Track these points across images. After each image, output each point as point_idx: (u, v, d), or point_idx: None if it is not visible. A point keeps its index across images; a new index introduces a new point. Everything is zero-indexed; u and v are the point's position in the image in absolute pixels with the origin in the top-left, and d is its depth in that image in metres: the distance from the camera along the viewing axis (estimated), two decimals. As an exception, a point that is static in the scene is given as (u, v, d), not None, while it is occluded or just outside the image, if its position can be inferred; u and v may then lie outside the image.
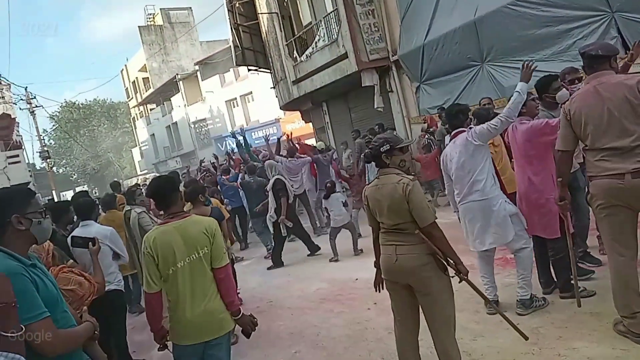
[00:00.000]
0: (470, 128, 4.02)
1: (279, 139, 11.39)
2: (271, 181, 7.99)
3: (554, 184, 3.69)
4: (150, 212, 6.14)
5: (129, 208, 6.09)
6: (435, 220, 2.84)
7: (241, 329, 2.98)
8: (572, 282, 3.80)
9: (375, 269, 3.27)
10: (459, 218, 4.29)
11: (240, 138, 11.61)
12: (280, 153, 10.63)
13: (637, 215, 3.15)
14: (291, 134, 11.59)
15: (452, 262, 2.86)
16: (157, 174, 27.85)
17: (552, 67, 8.11)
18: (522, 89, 3.88)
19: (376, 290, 3.27)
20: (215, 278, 2.85)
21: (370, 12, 11.97)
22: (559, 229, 3.91)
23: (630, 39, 7.22)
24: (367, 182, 9.81)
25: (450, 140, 4.21)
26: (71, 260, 3.91)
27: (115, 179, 14.86)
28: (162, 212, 2.99)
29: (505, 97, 8.68)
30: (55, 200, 26.84)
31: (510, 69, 9.01)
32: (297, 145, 11.05)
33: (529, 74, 3.97)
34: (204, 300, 2.81)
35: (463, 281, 2.89)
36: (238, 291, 6.83)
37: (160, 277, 2.82)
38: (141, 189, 6.16)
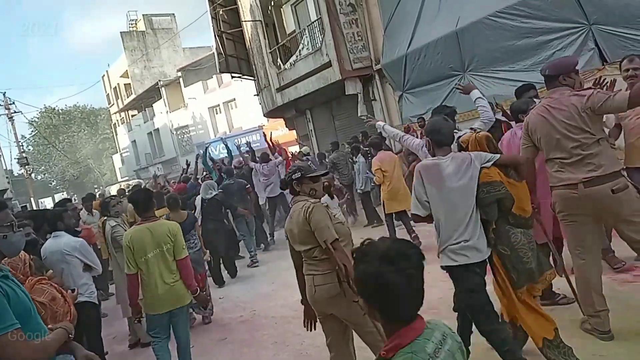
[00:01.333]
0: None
1: (252, 149, 11.34)
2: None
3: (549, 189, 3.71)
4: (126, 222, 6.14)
5: (104, 219, 5.99)
6: (337, 240, 2.79)
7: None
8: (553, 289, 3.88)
9: (303, 306, 3.22)
10: None
11: (226, 145, 11.47)
12: (255, 159, 10.65)
13: (597, 220, 3.30)
14: (271, 134, 11.47)
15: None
16: (141, 180, 27.53)
17: (532, 77, 8.26)
18: (478, 93, 4.05)
19: (308, 329, 3.23)
20: (178, 266, 3.93)
21: (354, 22, 12.09)
22: (544, 234, 3.94)
23: (607, 51, 7.42)
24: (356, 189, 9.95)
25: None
26: (50, 271, 3.85)
27: (90, 192, 14.59)
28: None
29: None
30: (34, 207, 26.35)
31: (491, 79, 9.17)
32: (272, 144, 10.93)
33: (470, 86, 4.22)
34: (169, 280, 3.89)
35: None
36: (221, 298, 6.82)
37: (136, 264, 3.87)
38: (116, 200, 6.06)
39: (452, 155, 3.02)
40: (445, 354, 1.34)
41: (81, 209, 9.45)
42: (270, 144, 10.84)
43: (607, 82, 4.25)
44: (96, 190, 47.17)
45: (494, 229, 2.94)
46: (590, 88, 3.41)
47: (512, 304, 3.01)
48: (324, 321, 3.04)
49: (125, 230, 5.76)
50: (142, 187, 13.07)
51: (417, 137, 8.80)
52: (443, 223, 2.96)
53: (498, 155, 2.97)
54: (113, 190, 24.85)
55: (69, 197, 29.51)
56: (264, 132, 11.35)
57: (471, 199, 2.88)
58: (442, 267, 3.04)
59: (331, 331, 3.02)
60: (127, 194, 13.20)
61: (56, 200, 39.77)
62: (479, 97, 3.99)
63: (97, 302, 4.54)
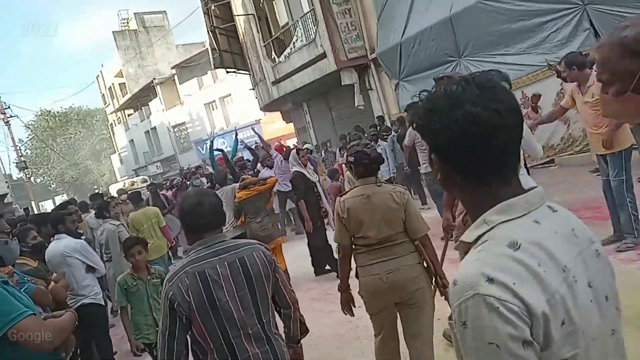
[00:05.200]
0: None
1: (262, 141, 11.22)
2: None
3: None
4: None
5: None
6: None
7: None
8: None
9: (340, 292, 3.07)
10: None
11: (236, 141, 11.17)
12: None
13: None
14: (261, 138, 11.46)
15: (438, 275, 2.82)
16: (146, 177, 27.54)
17: (528, 59, 8.29)
18: None
19: (345, 314, 3.11)
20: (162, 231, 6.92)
21: (347, 11, 12.02)
22: None
23: (603, 30, 7.39)
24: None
25: None
26: (55, 274, 3.85)
27: (96, 191, 14.59)
28: None
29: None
30: (35, 210, 26.35)
31: (487, 64, 9.12)
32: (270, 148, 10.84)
33: None
34: (153, 240, 6.44)
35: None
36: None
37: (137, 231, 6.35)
38: (115, 202, 6.14)
39: None
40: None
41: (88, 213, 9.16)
42: (265, 142, 10.78)
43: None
44: (96, 190, 47.20)
45: None
46: None
47: None
48: (381, 314, 2.90)
49: (127, 232, 5.87)
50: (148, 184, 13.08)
51: None
52: None
53: None
54: (113, 189, 24.85)
55: (69, 199, 29.54)
56: (257, 133, 11.06)
57: None
58: None
59: (388, 321, 2.93)
60: (128, 192, 13.24)
61: (57, 203, 39.81)
62: None
63: (102, 303, 4.54)
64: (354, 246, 2.87)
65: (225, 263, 2.00)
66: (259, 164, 9.86)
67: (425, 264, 2.83)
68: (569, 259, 0.93)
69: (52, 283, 3.46)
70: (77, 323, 2.27)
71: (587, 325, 0.90)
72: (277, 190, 9.18)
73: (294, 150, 6.62)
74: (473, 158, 0.96)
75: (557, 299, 0.87)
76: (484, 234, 0.95)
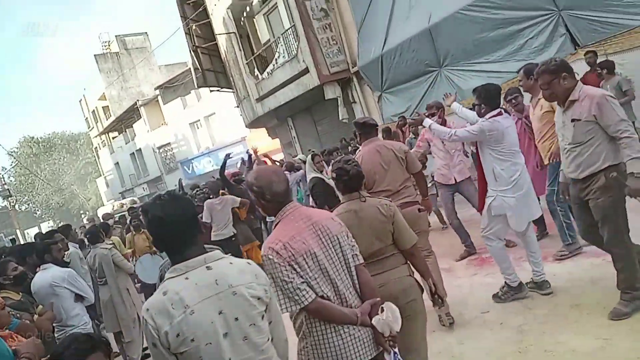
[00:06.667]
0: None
1: (250, 157, 10.91)
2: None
3: None
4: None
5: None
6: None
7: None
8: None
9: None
10: None
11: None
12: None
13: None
14: (256, 150, 11.01)
15: (430, 284, 2.81)
16: (135, 199, 27.09)
17: (507, 67, 8.39)
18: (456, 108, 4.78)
19: None
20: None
21: (327, 26, 12.12)
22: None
23: (579, 35, 7.54)
24: None
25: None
26: (40, 306, 3.76)
27: (82, 216, 14.41)
28: None
29: (465, 99, 8.90)
30: (20, 239, 25.91)
31: (467, 72, 9.26)
32: (266, 161, 10.60)
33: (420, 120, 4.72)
34: None
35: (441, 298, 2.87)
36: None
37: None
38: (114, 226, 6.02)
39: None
40: None
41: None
42: (257, 159, 10.39)
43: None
44: (83, 216, 46.59)
45: None
46: None
47: None
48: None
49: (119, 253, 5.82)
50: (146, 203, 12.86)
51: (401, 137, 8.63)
52: None
53: None
54: (101, 213, 24.52)
55: (54, 227, 29.09)
56: (253, 150, 10.46)
57: None
58: None
59: None
60: (115, 216, 13.08)
61: (43, 230, 39.13)
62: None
63: (91, 333, 4.45)
64: None
65: None
66: None
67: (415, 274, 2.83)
68: (194, 300, 1.62)
69: (36, 316, 3.37)
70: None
71: (202, 336, 1.61)
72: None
73: (309, 157, 6.54)
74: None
75: (175, 324, 1.59)
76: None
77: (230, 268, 1.71)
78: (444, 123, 5.51)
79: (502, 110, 4.04)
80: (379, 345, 2.23)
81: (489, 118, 3.92)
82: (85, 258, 6.00)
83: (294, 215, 2.24)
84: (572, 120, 3.21)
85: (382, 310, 2.18)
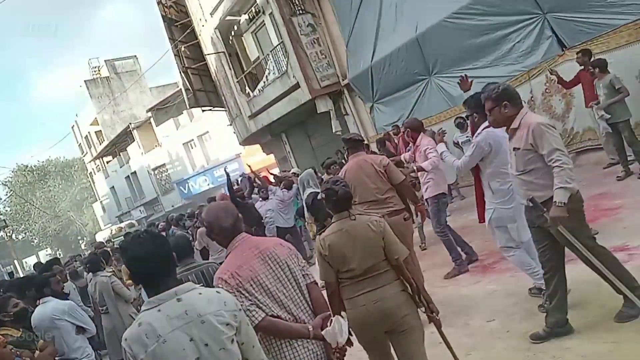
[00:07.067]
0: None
1: (249, 177, 10.76)
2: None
3: None
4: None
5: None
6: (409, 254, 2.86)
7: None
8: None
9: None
10: None
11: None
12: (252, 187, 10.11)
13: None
14: (251, 168, 10.84)
15: (424, 300, 2.83)
16: (134, 222, 26.93)
17: (496, 72, 8.46)
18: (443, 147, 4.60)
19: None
20: None
21: (316, 41, 12.20)
22: None
23: (565, 37, 7.60)
24: None
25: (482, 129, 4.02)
26: (41, 340, 3.71)
27: (80, 242, 14.36)
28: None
29: (457, 106, 8.94)
30: (19, 269, 25.70)
31: (456, 79, 9.20)
32: (262, 180, 10.39)
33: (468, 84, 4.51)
34: None
35: (435, 313, 2.87)
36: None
37: None
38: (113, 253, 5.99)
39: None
40: None
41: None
42: (256, 176, 10.20)
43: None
44: (80, 242, 46.29)
45: None
46: None
47: None
48: (372, 345, 2.90)
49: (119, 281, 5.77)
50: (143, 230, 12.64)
51: (395, 144, 8.63)
52: None
53: None
54: (100, 237, 24.40)
55: (54, 256, 28.91)
56: (250, 170, 10.18)
57: None
58: None
59: (380, 353, 2.92)
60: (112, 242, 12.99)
61: (40, 258, 38.74)
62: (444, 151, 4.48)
63: (93, 365, 4.40)
64: (340, 280, 2.86)
65: None
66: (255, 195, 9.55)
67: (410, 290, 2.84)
68: (166, 331, 1.78)
69: (37, 352, 3.33)
70: None
71: None
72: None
73: (310, 170, 6.58)
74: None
75: (150, 351, 1.76)
76: None
77: (199, 298, 1.88)
78: (414, 142, 5.61)
79: None
80: (328, 356, 2.44)
81: (482, 130, 3.92)
82: (87, 287, 5.97)
83: (242, 246, 2.45)
84: (514, 149, 3.26)
85: (331, 323, 2.35)
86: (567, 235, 3.10)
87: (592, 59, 6.55)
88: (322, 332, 2.36)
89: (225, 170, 9.13)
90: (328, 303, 2.82)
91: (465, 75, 4.70)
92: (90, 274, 6.02)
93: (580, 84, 6.85)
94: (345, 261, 2.77)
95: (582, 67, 6.68)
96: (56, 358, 3.84)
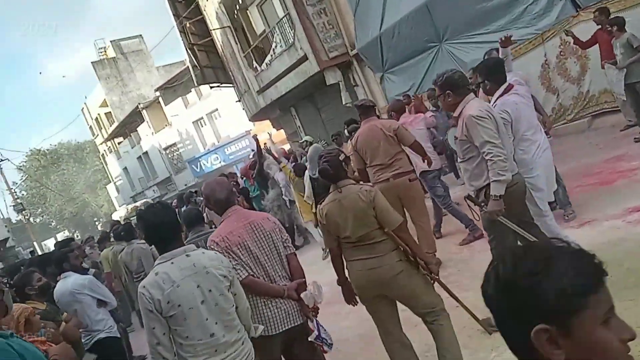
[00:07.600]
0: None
1: (257, 147, 10.55)
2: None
3: None
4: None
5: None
6: (403, 222, 2.91)
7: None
8: None
9: (340, 287, 3.19)
10: None
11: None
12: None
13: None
14: (270, 135, 10.66)
15: (422, 262, 2.89)
16: (149, 200, 27.21)
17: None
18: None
19: (352, 305, 3.20)
20: None
21: (322, 11, 11.98)
22: None
23: (580, -2, 7.38)
24: None
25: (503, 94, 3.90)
26: (65, 313, 3.80)
27: (97, 223, 14.57)
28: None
29: (468, 71, 8.77)
30: (38, 251, 26.24)
31: (468, 44, 9.12)
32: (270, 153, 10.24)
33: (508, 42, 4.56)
34: None
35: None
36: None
37: None
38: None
39: None
40: None
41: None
42: (261, 150, 10.12)
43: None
44: (97, 223, 47.01)
45: None
46: None
47: None
48: (373, 305, 3.03)
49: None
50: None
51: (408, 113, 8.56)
52: None
53: None
54: (116, 217, 24.75)
55: (71, 236, 29.42)
56: (256, 140, 10.00)
57: None
58: None
59: (382, 313, 3.02)
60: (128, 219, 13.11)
61: (59, 240, 39.40)
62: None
63: (118, 336, 4.50)
64: (343, 244, 3.01)
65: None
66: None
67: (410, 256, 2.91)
68: (178, 278, 2.22)
69: (63, 324, 3.41)
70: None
71: (186, 302, 2.21)
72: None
73: (318, 145, 6.60)
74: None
75: (166, 294, 2.17)
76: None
77: (203, 256, 2.36)
78: (418, 112, 5.77)
79: (511, 85, 3.89)
80: (304, 315, 2.89)
81: (496, 100, 3.82)
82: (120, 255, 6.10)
83: (234, 216, 2.90)
84: (454, 138, 3.34)
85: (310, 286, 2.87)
86: (509, 223, 3.13)
87: (609, 18, 6.36)
88: (302, 295, 2.84)
89: (255, 137, 9.18)
90: (333, 265, 3.12)
91: (508, 34, 4.77)
92: (124, 242, 6.14)
93: (598, 44, 6.68)
94: (340, 229, 2.91)
95: (599, 26, 6.49)
96: (80, 330, 3.94)
